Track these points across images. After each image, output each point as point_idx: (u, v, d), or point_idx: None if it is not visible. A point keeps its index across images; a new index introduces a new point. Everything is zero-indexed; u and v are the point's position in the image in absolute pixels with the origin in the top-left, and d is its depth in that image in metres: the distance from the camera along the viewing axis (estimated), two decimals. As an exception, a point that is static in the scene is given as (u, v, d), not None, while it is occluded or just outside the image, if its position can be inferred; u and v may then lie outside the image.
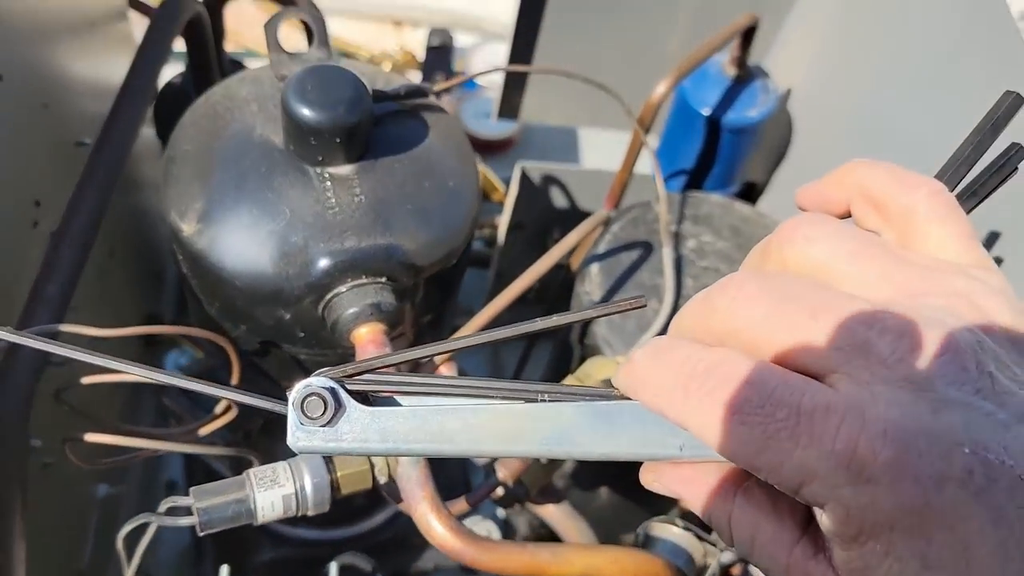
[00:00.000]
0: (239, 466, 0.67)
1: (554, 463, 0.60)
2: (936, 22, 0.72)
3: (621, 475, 0.86)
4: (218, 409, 0.55)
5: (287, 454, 0.74)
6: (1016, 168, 0.31)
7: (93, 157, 0.61)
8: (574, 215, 1.04)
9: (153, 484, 0.99)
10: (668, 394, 0.26)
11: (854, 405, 0.23)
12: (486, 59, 1.42)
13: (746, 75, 0.83)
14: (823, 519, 0.24)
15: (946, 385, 0.23)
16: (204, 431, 0.54)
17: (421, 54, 1.46)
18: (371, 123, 0.54)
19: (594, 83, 0.68)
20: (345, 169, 0.54)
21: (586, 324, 0.73)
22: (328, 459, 0.47)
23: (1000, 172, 0.30)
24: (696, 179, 0.90)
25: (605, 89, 0.68)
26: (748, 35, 0.78)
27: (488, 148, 1.36)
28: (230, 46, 1.03)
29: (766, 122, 0.85)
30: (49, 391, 0.56)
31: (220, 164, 0.54)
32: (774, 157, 0.98)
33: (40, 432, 0.58)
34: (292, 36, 1.04)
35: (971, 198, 0.31)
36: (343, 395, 0.28)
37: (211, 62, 0.76)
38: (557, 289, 0.88)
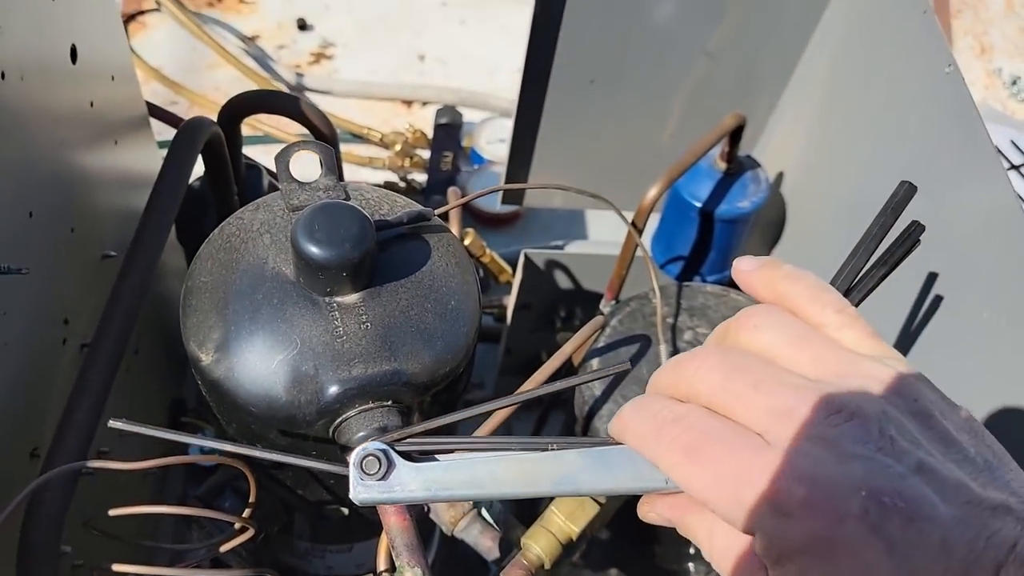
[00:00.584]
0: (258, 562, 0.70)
1: (560, 566, 0.62)
2: (914, 117, 0.75)
3: (632, 559, 0.88)
4: (237, 526, 0.58)
5: (302, 548, 0.77)
6: (918, 241, 0.39)
7: (118, 285, 0.65)
8: (578, 294, 1.07)
9: None
10: (645, 438, 0.34)
11: (780, 456, 0.30)
12: (493, 135, 1.47)
13: (737, 168, 0.86)
14: (755, 544, 0.31)
15: (852, 443, 0.29)
16: (225, 548, 0.57)
17: (431, 131, 1.51)
18: (375, 255, 0.57)
19: (588, 193, 0.71)
20: (352, 298, 0.58)
21: (588, 419, 0.76)
22: (339, 586, 0.50)
23: (905, 244, 0.38)
24: (693, 264, 0.93)
25: (599, 198, 0.72)
26: (736, 134, 0.82)
27: (496, 222, 1.41)
28: (247, 130, 1.09)
29: (758, 212, 0.88)
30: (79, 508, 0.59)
31: (235, 296, 0.58)
32: (769, 237, 1.01)
33: (70, 539, 0.61)
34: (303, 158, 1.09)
35: (882, 266, 0.38)
36: (393, 455, 0.37)
37: (229, 177, 0.81)
38: (568, 361, 0.91)
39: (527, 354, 1.16)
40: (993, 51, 1.40)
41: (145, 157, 0.95)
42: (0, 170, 0.58)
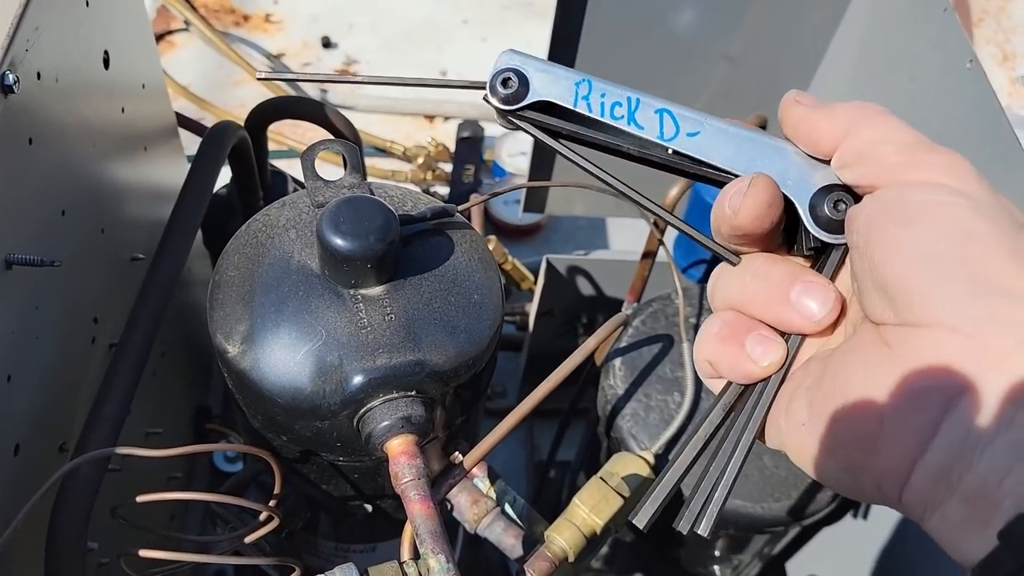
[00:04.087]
0: (283, 569, 0.70)
1: (583, 560, 0.62)
2: (936, 114, 0.75)
3: (655, 562, 0.88)
4: (262, 518, 0.58)
5: (326, 548, 0.77)
6: None
7: (146, 283, 0.67)
8: (600, 301, 1.07)
9: (202, 574, 1.02)
10: None
11: None
12: (515, 148, 1.48)
13: (758, 170, 0.86)
14: None
15: None
16: (250, 539, 0.58)
17: (452, 145, 1.52)
18: (399, 247, 0.58)
19: (610, 191, 0.72)
20: (376, 290, 0.58)
21: (611, 418, 0.75)
22: (364, 571, 0.50)
23: None
24: (714, 267, 0.93)
25: (623, 196, 0.72)
26: (757, 135, 0.82)
27: (517, 234, 1.41)
28: (270, 145, 1.10)
29: (780, 213, 0.88)
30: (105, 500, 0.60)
31: (261, 289, 0.59)
32: (793, 241, 1.01)
33: (96, 534, 0.62)
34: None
35: None
36: (529, 70, 0.39)
37: (254, 180, 0.82)
38: (588, 376, 0.91)
39: (550, 361, 1.16)
40: (1016, 59, 1.40)
41: (174, 168, 0.97)
42: (34, 166, 0.60)
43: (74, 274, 0.67)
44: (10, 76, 0.54)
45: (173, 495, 0.52)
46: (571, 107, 0.39)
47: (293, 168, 1.06)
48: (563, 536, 0.59)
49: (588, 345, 0.66)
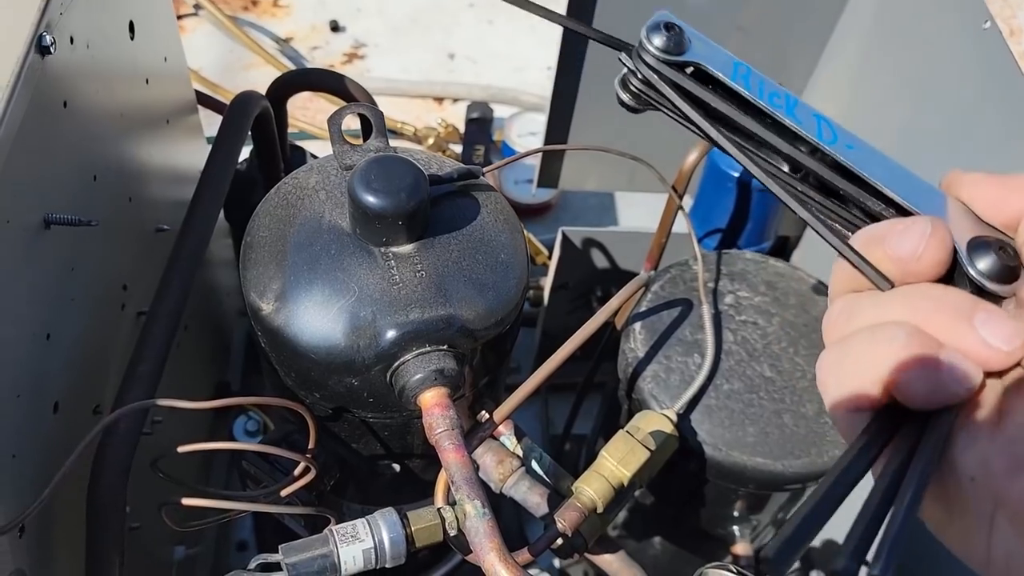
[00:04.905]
0: (313, 525, 0.71)
1: (611, 513, 0.63)
2: (952, 78, 0.76)
3: (675, 524, 0.89)
4: (297, 472, 0.60)
5: (352, 510, 0.79)
6: None
7: (177, 246, 0.68)
8: (615, 274, 1.08)
9: (225, 544, 1.04)
10: None
11: None
12: (524, 128, 1.49)
13: (773, 138, 0.87)
14: None
15: None
16: (285, 493, 0.59)
17: (462, 127, 1.53)
18: (429, 206, 0.59)
19: (628, 156, 0.73)
20: (407, 248, 0.60)
21: (631, 381, 0.77)
22: (403, 514, 0.51)
23: None
24: (730, 237, 0.94)
25: (640, 161, 0.74)
26: (773, 101, 0.83)
27: (529, 213, 1.42)
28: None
29: (795, 180, 0.89)
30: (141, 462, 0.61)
31: (294, 248, 0.60)
32: (806, 211, 1.02)
33: (128, 498, 0.63)
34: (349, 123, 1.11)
35: None
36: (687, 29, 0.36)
37: (276, 152, 0.83)
38: (604, 345, 0.92)
39: (565, 337, 1.17)
40: (1023, 33, 1.41)
41: (193, 143, 0.98)
42: (69, 130, 0.61)
43: (105, 240, 0.68)
44: (47, 37, 0.55)
45: (214, 445, 0.54)
46: (729, 81, 0.35)
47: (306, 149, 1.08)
48: (592, 487, 0.61)
49: (611, 305, 0.67)
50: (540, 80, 1.68)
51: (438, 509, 0.52)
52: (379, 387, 0.60)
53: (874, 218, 0.35)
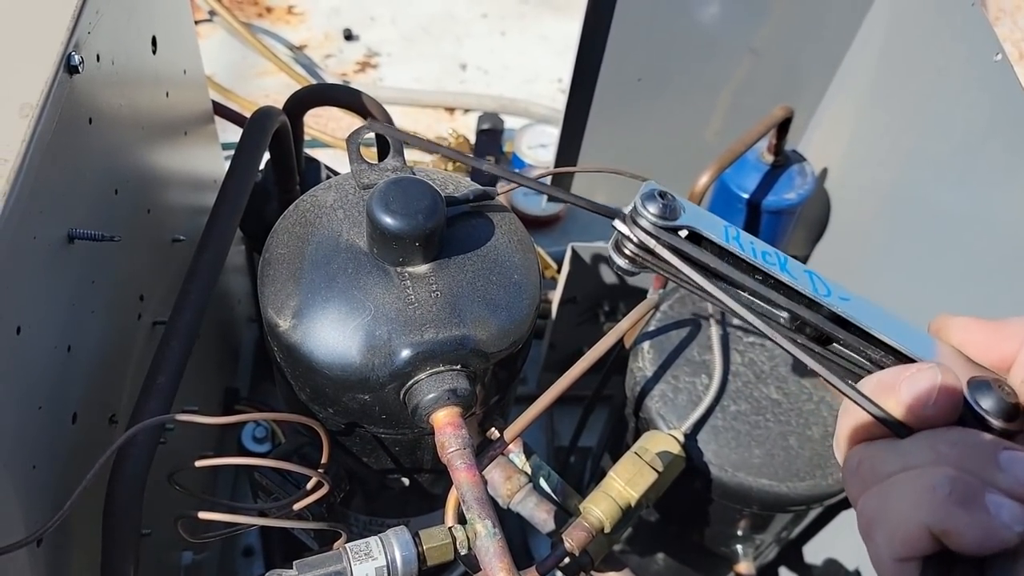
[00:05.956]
0: (322, 536, 0.72)
1: (617, 533, 0.64)
2: (961, 107, 0.77)
3: (678, 541, 0.90)
4: (309, 486, 0.61)
5: (359, 521, 0.79)
6: None
7: (195, 260, 0.69)
8: (623, 290, 1.09)
9: (231, 550, 1.05)
10: None
11: None
12: (534, 140, 1.50)
13: (783, 161, 0.89)
14: None
15: None
16: (298, 507, 0.60)
17: (473, 137, 1.54)
18: (444, 227, 0.60)
19: (639, 177, 0.74)
20: (422, 268, 0.61)
21: (639, 399, 0.77)
22: (415, 533, 0.52)
23: None
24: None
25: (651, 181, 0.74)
26: (784, 126, 0.84)
27: (537, 224, 1.43)
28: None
29: (804, 203, 0.90)
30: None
31: (311, 266, 0.61)
32: (814, 231, 1.03)
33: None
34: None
35: None
36: (678, 199, 0.38)
37: (293, 166, 0.84)
38: (613, 363, 0.93)
39: (571, 349, 1.18)
40: (1033, 57, 1.42)
41: (210, 153, 1.00)
42: (92, 145, 0.62)
43: (125, 252, 0.69)
44: (76, 57, 0.56)
45: (231, 461, 0.55)
46: (722, 242, 0.36)
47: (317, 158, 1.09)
48: (600, 507, 0.62)
49: (622, 326, 0.68)
50: (551, 92, 1.69)
51: (449, 528, 0.53)
52: (392, 405, 0.61)
53: (875, 364, 0.36)
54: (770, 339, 0.36)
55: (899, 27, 0.87)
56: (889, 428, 0.33)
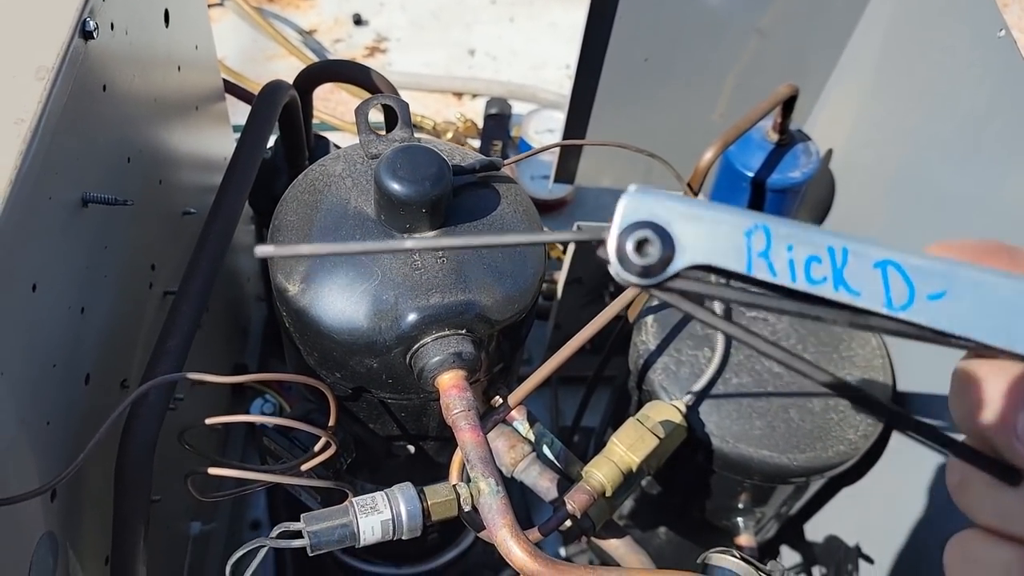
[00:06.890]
0: (329, 502, 0.74)
1: (619, 498, 0.65)
2: (966, 85, 0.77)
3: (680, 514, 0.91)
4: (317, 447, 0.62)
5: (366, 488, 0.81)
6: None
7: (206, 228, 0.70)
8: (628, 270, 1.10)
9: (239, 523, 1.06)
10: None
11: None
12: (541, 125, 1.51)
13: (788, 140, 0.89)
14: None
15: None
16: (305, 467, 0.61)
17: (481, 122, 1.55)
18: (451, 195, 0.61)
19: (645, 152, 0.75)
20: (429, 235, 0.62)
21: (643, 372, 0.78)
22: (420, 490, 0.53)
23: None
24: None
25: (656, 157, 0.75)
26: (789, 104, 0.85)
27: (544, 208, 1.44)
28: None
29: (808, 182, 0.91)
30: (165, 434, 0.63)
31: (320, 232, 0.62)
32: (818, 211, 1.03)
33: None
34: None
35: None
36: (673, 227, 0.27)
37: (302, 140, 0.85)
38: (614, 340, 0.94)
39: (576, 330, 1.18)
40: (1040, 43, 1.42)
41: (220, 130, 1.01)
42: (106, 112, 0.63)
43: (136, 220, 0.71)
44: (91, 23, 0.57)
45: (240, 418, 0.56)
46: (745, 273, 0.26)
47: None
48: (601, 471, 0.63)
49: (626, 295, 0.69)
50: (558, 78, 1.69)
51: (453, 485, 0.54)
52: (399, 368, 0.62)
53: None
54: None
55: (904, 7, 0.87)
56: (997, 476, 0.27)
